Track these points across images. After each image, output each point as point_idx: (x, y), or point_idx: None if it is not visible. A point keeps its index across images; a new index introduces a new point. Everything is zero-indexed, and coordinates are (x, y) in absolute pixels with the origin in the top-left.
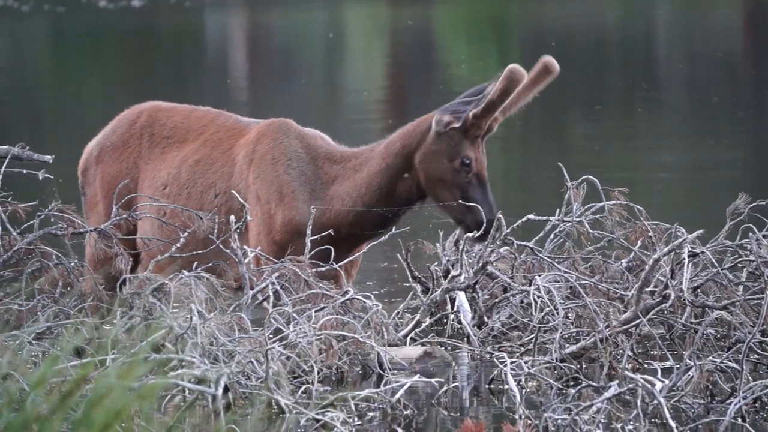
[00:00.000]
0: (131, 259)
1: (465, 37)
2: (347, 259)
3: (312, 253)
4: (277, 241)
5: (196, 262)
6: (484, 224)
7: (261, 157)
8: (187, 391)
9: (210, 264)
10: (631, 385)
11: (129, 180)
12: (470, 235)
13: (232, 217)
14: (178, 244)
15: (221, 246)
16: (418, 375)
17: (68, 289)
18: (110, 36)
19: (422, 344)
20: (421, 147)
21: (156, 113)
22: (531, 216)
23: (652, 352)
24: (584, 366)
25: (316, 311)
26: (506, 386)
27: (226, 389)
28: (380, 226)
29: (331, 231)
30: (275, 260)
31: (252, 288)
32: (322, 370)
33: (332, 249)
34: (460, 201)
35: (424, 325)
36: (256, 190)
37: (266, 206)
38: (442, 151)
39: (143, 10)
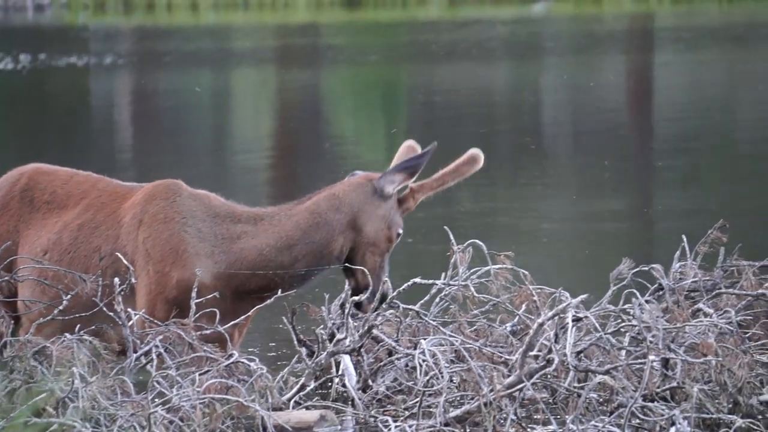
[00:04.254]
0: (12, 321)
1: (352, 101)
2: (239, 319)
3: (209, 311)
4: (170, 300)
5: (78, 325)
6: (378, 294)
7: (152, 217)
8: None
9: (93, 327)
10: None
11: (10, 243)
12: (358, 298)
13: (116, 279)
14: (61, 307)
15: (105, 308)
16: None
17: None
18: None
19: (306, 408)
20: (366, 208)
21: (36, 176)
22: (417, 279)
23: (535, 416)
24: (468, 430)
25: (200, 374)
26: None
27: None
28: (298, 283)
29: (215, 294)
30: (159, 323)
31: (135, 351)
32: None
33: (216, 312)
34: (364, 270)
35: (308, 388)
36: (147, 249)
37: (159, 265)
38: (386, 216)
39: (27, 72)
